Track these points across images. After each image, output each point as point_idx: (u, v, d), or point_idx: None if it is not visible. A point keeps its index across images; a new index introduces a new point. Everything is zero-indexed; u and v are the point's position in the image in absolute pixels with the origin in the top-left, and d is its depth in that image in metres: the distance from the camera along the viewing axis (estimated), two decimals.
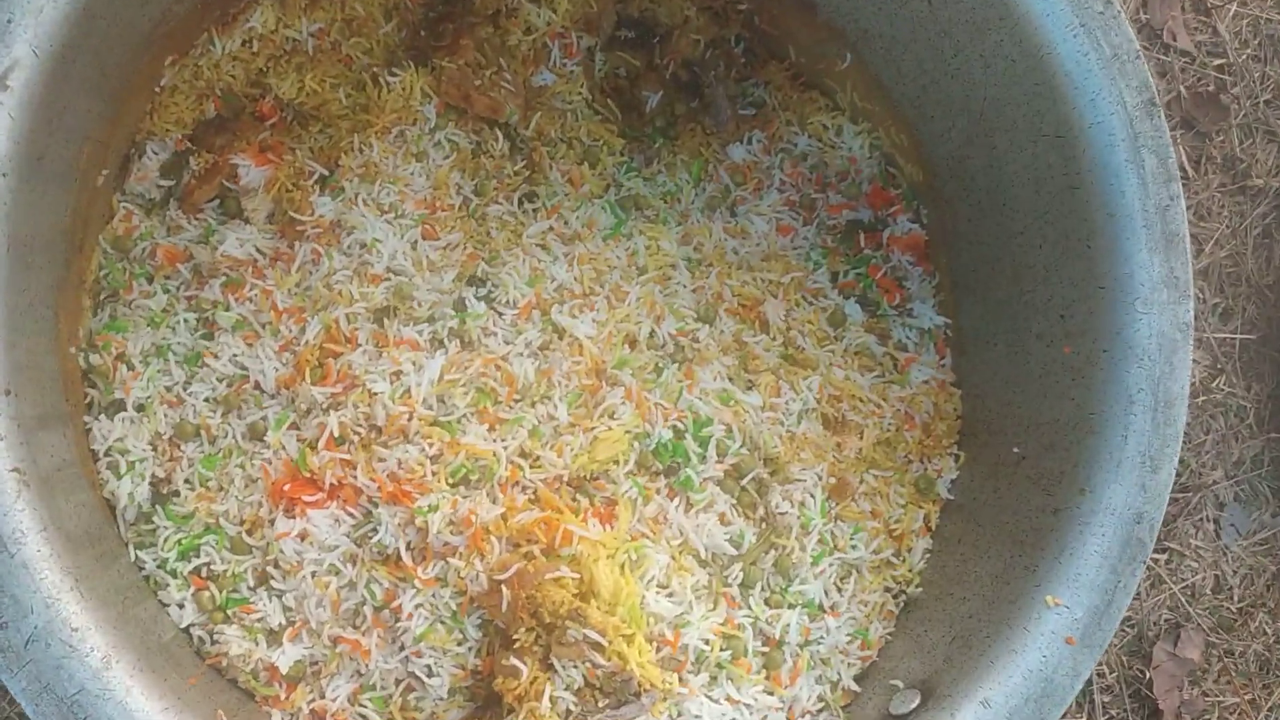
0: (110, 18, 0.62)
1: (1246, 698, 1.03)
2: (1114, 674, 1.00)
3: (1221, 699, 1.02)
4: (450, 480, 0.64)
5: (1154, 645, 1.01)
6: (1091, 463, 0.65)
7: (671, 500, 0.68)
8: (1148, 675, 1.00)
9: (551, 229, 0.76)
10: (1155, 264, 0.65)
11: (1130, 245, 0.65)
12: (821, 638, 0.69)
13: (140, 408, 0.67)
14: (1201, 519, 1.03)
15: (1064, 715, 0.96)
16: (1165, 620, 1.02)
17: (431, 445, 0.65)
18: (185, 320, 0.70)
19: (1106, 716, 1.00)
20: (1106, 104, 0.65)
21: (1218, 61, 1.05)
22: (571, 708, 0.62)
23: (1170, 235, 0.65)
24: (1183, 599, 1.02)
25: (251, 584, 0.64)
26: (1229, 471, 1.04)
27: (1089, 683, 0.99)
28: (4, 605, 0.49)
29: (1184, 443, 1.00)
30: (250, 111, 0.76)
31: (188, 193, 0.73)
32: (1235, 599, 1.03)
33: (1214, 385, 1.03)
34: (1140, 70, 0.65)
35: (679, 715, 0.64)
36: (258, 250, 0.72)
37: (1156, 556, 1.01)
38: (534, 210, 0.77)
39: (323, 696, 0.64)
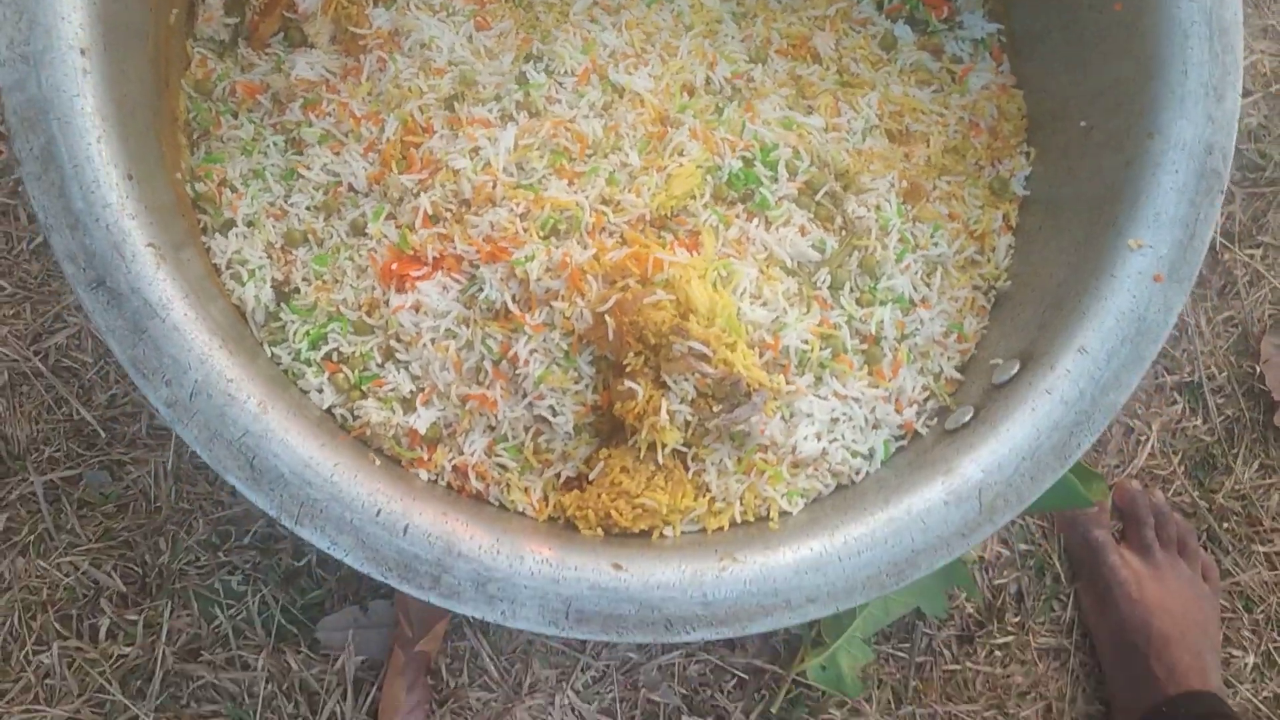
0: None
1: None
2: (1224, 374, 1.01)
3: None
4: (541, 233, 0.68)
5: (1260, 340, 1.01)
6: (1156, 105, 0.66)
7: (751, 221, 0.70)
8: (1258, 370, 1.01)
9: (596, 3, 0.78)
10: None
11: None
12: (917, 329, 0.72)
13: (250, 223, 0.72)
14: None
15: (1180, 418, 0.98)
16: (1270, 315, 1.02)
17: (518, 205, 0.68)
18: (275, 144, 0.74)
19: (1223, 417, 1.01)
20: None
21: None
22: (689, 418, 0.66)
23: None
24: None
25: (379, 360, 0.69)
26: None
27: (1199, 385, 1.00)
28: (166, 364, 0.55)
29: (1263, 135, 0.99)
30: None
31: (253, 29, 0.77)
32: None
33: None
34: None
35: (791, 414, 0.68)
36: (327, 70, 0.76)
37: (1251, 252, 1.01)
38: None
39: (461, 453, 0.69)
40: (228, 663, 0.83)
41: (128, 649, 0.82)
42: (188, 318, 0.56)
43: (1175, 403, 1.01)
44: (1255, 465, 1.01)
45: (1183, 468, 1.01)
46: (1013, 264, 0.76)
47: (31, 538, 0.81)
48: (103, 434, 0.82)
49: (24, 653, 0.81)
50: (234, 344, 0.60)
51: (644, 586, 0.59)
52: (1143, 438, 1.00)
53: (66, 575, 0.81)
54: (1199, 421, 1.01)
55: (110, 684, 0.81)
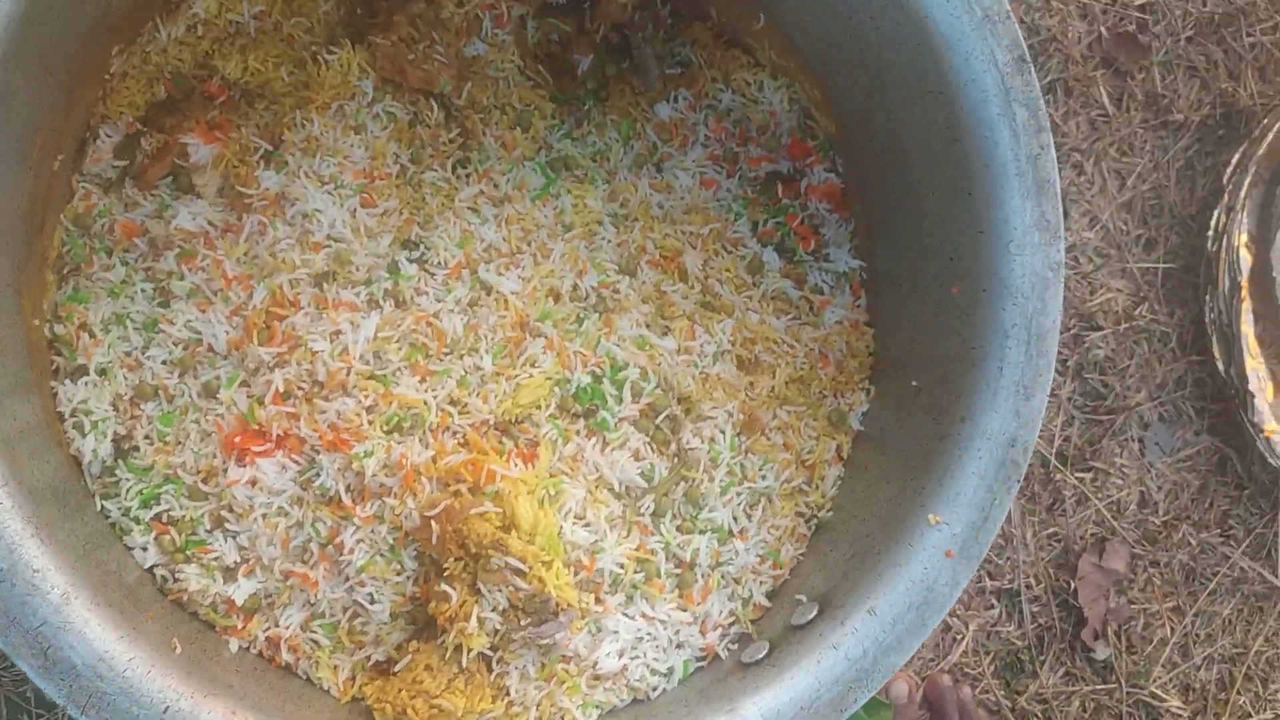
0: (53, 17, 0.67)
1: (1170, 605, 1.09)
2: (1041, 585, 1.07)
3: (1147, 606, 1.09)
4: (385, 428, 0.71)
5: (1079, 558, 1.07)
6: (972, 392, 0.71)
7: (589, 440, 0.74)
8: (1073, 586, 1.07)
9: (482, 192, 0.82)
10: (1027, 209, 0.70)
11: (1005, 193, 0.70)
12: (731, 559, 0.76)
13: (102, 372, 0.73)
14: (1126, 439, 1.09)
15: (995, 622, 1.03)
16: (1091, 535, 1.08)
17: (367, 397, 0.71)
18: (143, 290, 0.76)
19: (1035, 625, 1.07)
20: (979, 62, 0.69)
21: (1140, 1, 1.09)
22: (498, 626, 0.69)
23: (1041, 182, 0.70)
24: (1108, 514, 1.08)
25: (208, 527, 0.71)
26: (1153, 393, 1.09)
27: (1017, 593, 1.06)
28: None
29: (1109, 368, 1.06)
30: (200, 92, 0.82)
31: (141, 171, 0.79)
32: (1160, 513, 1.09)
33: (1137, 312, 1.09)
34: (1011, 29, 0.70)
35: (598, 630, 0.72)
36: (208, 223, 0.78)
37: (1081, 476, 1.07)
38: (467, 175, 0.83)
39: (277, 625, 0.71)
40: None
41: None
42: (2, 508, 0.57)
43: (993, 607, 1.06)
44: (1060, 672, 1.07)
45: (992, 668, 1.06)
46: (839, 494, 0.81)
47: None
48: None
49: None
50: (55, 509, 0.61)
51: None
52: (959, 636, 1.06)
53: None
54: (1013, 627, 1.07)
55: None
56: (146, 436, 0.72)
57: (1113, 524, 1.08)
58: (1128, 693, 1.08)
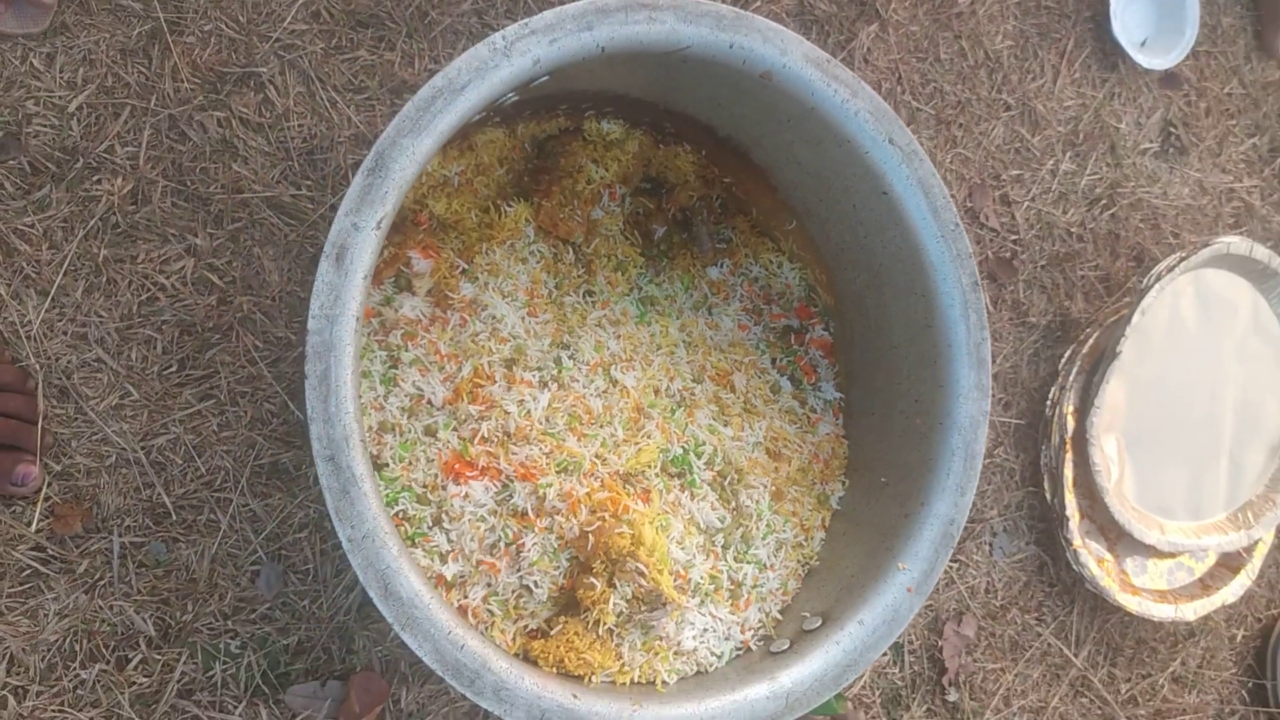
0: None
1: (999, 666, 1.52)
2: (919, 642, 1.48)
3: (985, 664, 1.51)
4: (557, 469, 1.05)
5: (945, 624, 1.49)
6: (928, 489, 1.11)
7: (683, 492, 1.10)
8: (939, 644, 1.48)
9: (605, 315, 1.18)
10: (971, 377, 1.12)
11: (958, 365, 1.12)
12: (763, 584, 1.13)
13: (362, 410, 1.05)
14: (981, 541, 1.52)
15: (885, 666, 1.42)
16: (953, 608, 1.50)
17: (545, 446, 1.05)
18: (380, 355, 1.08)
19: (912, 670, 1.47)
20: (951, 282, 1.12)
21: (1013, 237, 1.57)
22: (624, 610, 1.03)
23: (981, 360, 1.12)
24: (965, 594, 1.50)
25: (430, 524, 1.03)
26: (1001, 511, 1.53)
27: (901, 646, 1.46)
28: (354, 515, 0.87)
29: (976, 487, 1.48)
30: (412, 220, 1.15)
31: (376, 272, 1.12)
32: (999, 598, 1.52)
33: (995, 452, 1.54)
34: (971, 265, 1.12)
35: (682, 620, 1.07)
36: (422, 314, 1.11)
37: (951, 564, 1.50)
38: (592, 301, 1.19)
39: (466, 597, 1.03)
40: (212, 705, 1.10)
41: (145, 679, 1.08)
42: (370, 491, 0.88)
43: (885, 654, 1.46)
44: (925, 708, 1.47)
45: (879, 699, 1.45)
46: (823, 551, 1.19)
47: (101, 582, 1.07)
48: (173, 515, 1.10)
49: (69, 667, 1.06)
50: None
51: (589, 711, 0.95)
52: (861, 674, 1.45)
53: (116, 615, 1.07)
54: (897, 670, 1.46)
55: (123, 704, 1.07)
56: (391, 458, 1.04)
57: (968, 602, 1.51)
58: None
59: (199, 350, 1.12)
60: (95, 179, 1.09)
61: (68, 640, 1.06)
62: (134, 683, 1.07)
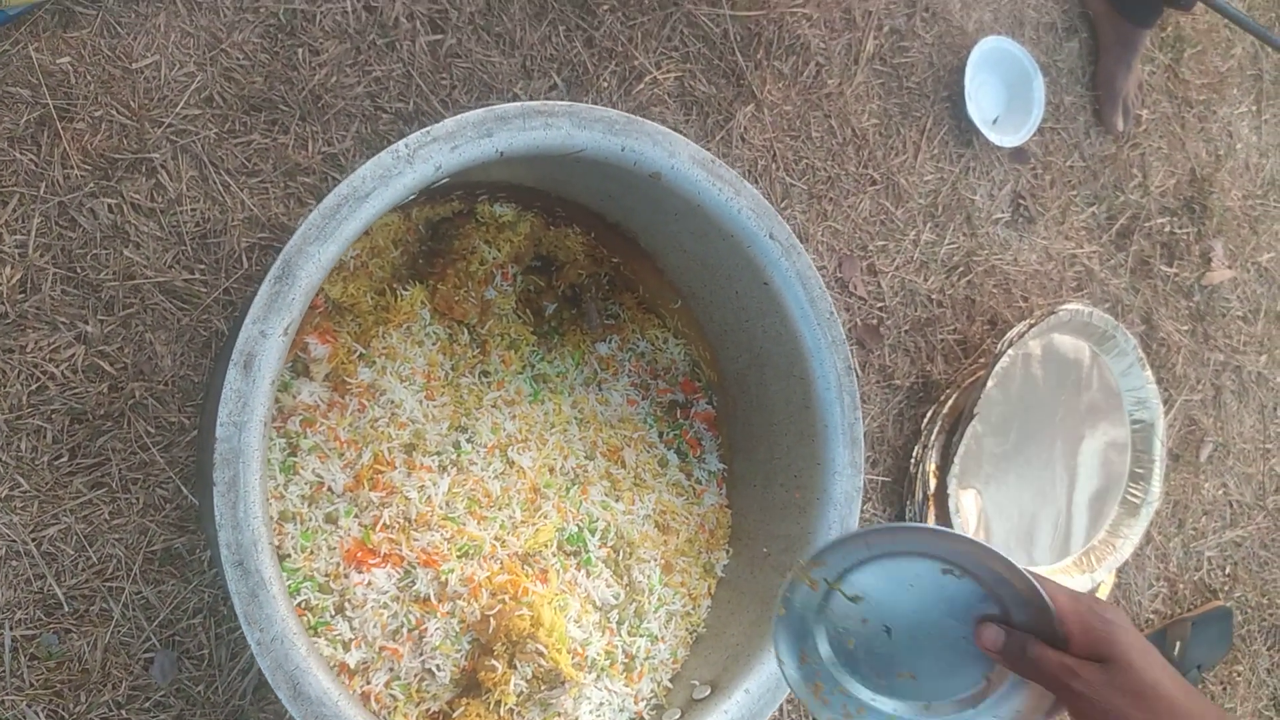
0: None
1: None
2: (792, 706, 1.55)
3: None
4: (458, 554, 1.08)
5: None
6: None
7: (579, 571, 1.15)
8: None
9: (500, 396, 1.22)
10: (846, 455, 1.19)
11: (834, 444, 1.19)
12: (655, 655, 1.18)
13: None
14: None
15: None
16: None
17: (446, 532, 1.08)
18: (278, 443, 1.09)
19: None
20: (827, 366, 1.19)
21: (879, 304, 1.67)
22: (525, 689, 1.07)
23: (854, 439, 1.20)
24: None
25: (332, 613, 1.05)
26: None
27: (783, 707, 1.53)
28: (263, 619, 0.88)
29: None
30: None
31: None
32: None
33: (865, 507, 1.63)
34: (845, 351, 1.20)
35: (580, 696, 1.11)
36: (320, 399, 1.13)
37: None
38: (488, 382, 1.22)
39: (368, 683, 1.05)
40: None
41: None
42: (279, 593, 0.90)
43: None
44: None
45: None
46: (710, 618, 1.25)
47: None
48: (64, 606, 1.09)
49: None
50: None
51: None
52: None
53: (8, 710, 1.06)
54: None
55: None
56: (294, 548, 1.05)
57: None
58: None
59: (90, 438, 1.11)
60: None
61: None
62: None
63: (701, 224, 1.16)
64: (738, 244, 1.16)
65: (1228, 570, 2.00)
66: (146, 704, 1.12)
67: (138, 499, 1.13)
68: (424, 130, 0.98)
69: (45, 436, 1.10)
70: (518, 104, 1.01)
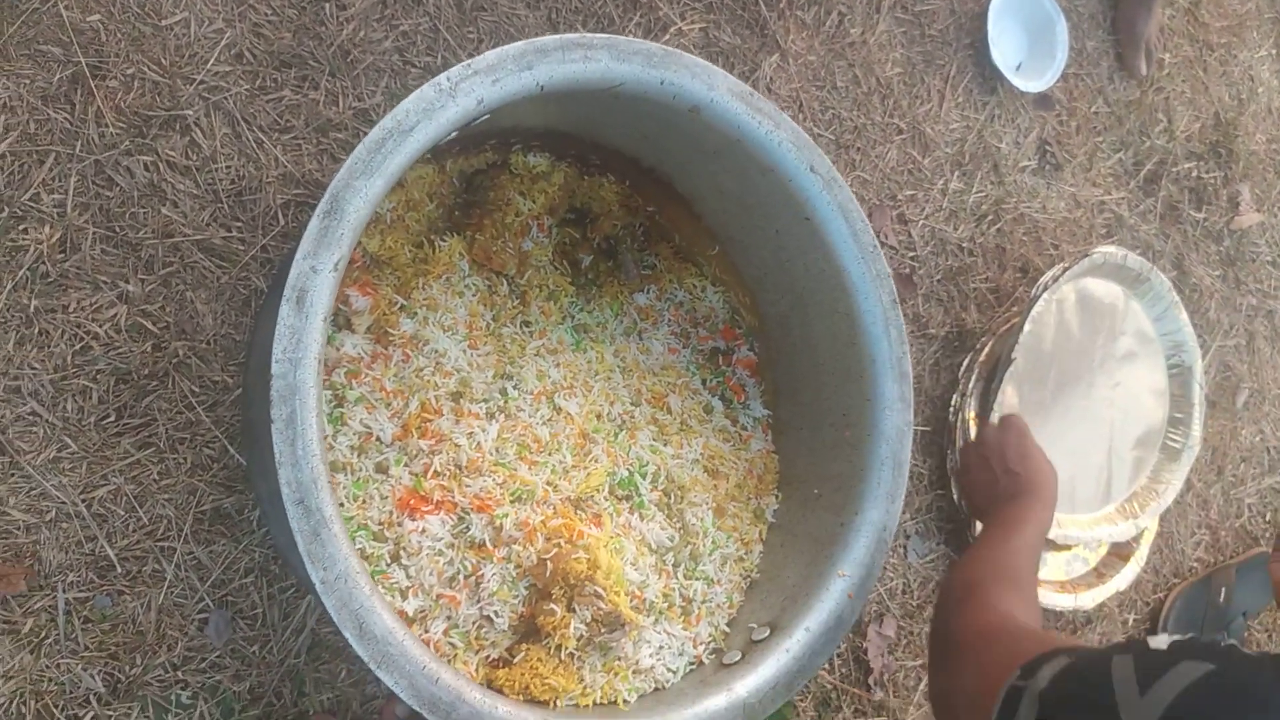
0: None
1: (920, 661, 1.59)
2: (845, 645, 1.54)
3: (906, 662, 1.58)
4: (511, 499, 1.07)
5: (868, 626, 1.55)
6: (861, 497, 1.16)
7: (632, 515, 1.13)
8: (864, 645, 1.54)
9: (543, 345, 1.20)
10: (895, 389, 1.18)
11: (883, 379, 1.18)
12: (711, 599, 1.17)
13: None
14: (896, 544, 1.59)
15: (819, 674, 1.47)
16: (875, 610, 1.57)
17: (498, 477, 1.07)
18: (324, 395, 1.08)
19: (840, 675, 1.53)
20: (872, 301, 1.18)
21: (911, 253, 1.65)
22: (584, 633, 1.06)
23: (903, 374, 1.19)
24: (885, 596, 1.57)
25: (388, 561, 1.04)
26: (913, 515, 1.61)
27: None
28: (326, 557, 0.87)
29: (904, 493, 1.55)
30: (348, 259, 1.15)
31: None
32: (915, 598, 1.60)
33: None
34: (890, 284, 1.19)
35: (640, 639, 1.09)
36: (364, 351, 1.11)
37: None
38: (529, 331, 1.21)
39: (426, 631, 1.04)
40: None
41: None
42: (340, 532, 0.89)
43: None
44: (853, 709, 1.53)
45: (811, 703, 1.51)
46: (762, 563, 1.24)
47: (48, 641, 1.05)
48: (117, 568, 1.08)
49: None
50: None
51: None
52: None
53: (64, 674, 1.05)
54: (827, 673, 1.52)
55: None
56: (346, 498, 1.04)
57: (888, 603, 1.58)
58: None
59: (136, 398, 1.10)
60: (22, 228, 1.06)
61: (14, 703, 1.02)
62: None
63: (741, 160, 1.15)
64: (778, 179, 1.15)
65: (1268, 517, 1.98)
66: (203, 664, 1.10)
67: (185, 459, 1.12)
68: (464, 64, 0.97)
69: (91, 397, 1.09)
70: (555, 36, 1.00)
